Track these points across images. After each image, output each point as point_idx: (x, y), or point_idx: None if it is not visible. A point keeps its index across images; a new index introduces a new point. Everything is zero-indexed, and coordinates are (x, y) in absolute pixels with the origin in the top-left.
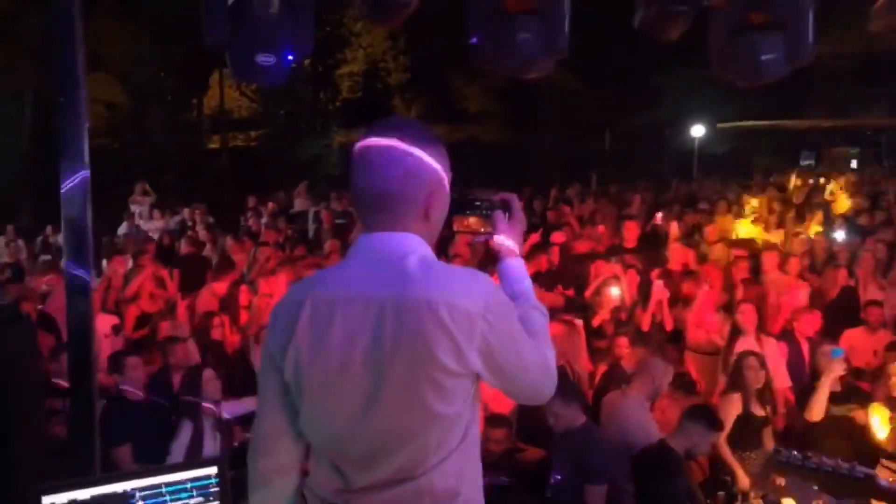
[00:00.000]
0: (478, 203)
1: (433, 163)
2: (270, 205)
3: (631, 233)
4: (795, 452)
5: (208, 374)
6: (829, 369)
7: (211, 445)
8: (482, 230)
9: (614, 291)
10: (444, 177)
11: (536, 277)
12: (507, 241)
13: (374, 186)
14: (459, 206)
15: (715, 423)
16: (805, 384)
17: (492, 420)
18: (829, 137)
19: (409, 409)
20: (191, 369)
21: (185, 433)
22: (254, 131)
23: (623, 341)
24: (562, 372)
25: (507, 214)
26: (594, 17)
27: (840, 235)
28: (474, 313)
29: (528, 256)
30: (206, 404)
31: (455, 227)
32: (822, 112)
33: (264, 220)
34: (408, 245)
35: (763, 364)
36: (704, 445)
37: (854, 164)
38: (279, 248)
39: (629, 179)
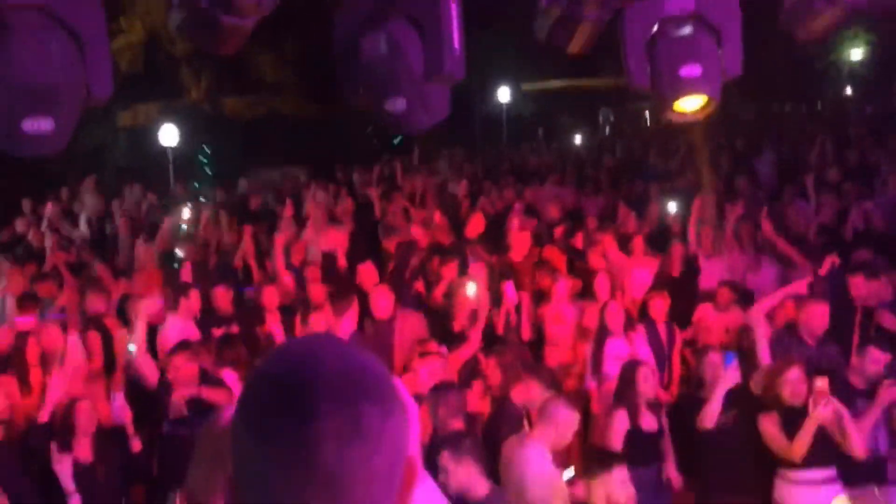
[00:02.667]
0: None
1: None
2: (50, 206)
3: (477, 224)
4: None
5: None
6: (723, 377)
7: None
8: None
9: (470, 290)
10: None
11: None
12: None
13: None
14: None
15: (610, 463)
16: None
17: None
18: (623, 95)
19: None
20: None
21: None
22: None
23: (492, 363)
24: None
25: None
26: None
27: (672, 206)
28: None
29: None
30: None
31: None
32: (614, 72)
33: (44, 226)
34: None
35: (654, 373)
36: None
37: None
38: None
39: (441, 146)
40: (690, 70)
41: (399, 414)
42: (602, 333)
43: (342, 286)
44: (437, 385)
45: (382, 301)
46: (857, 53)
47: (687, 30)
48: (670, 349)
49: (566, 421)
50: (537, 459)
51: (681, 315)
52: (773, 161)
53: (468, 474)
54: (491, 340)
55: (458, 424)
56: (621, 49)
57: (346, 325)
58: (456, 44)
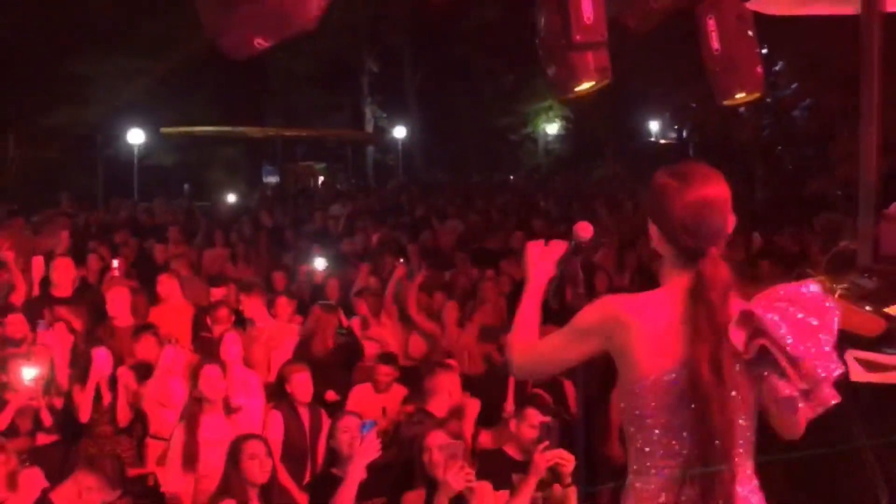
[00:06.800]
0: None
1: None
2: None
3: (65, 275)
4: None
5: None
6: (360, 450)
7: None
8: None
9: (28, 374)
10: None
11: None
12: None
13: None
14: None
15: None
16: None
17: None
18: (292, 151)
19: None
20: None
21: None
22: None
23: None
24: None
25: None
26: None
27: (321, 263)
28: None
29: None
30: None
31: None
32: (281, 121)
33: None
34: None
35: (269, 452)
36: None
37: (322, 180)
38: None
39: (46, 194)
40: None
41: None
42: (198, 404)
43: None
44: None
45: None
46: (552, 128)
47: None
48: (315, 434)
49: None
50: None
51: (343, 387)
52: (454, 227)
53: None
54: (76, 429)
55: None
56: None
57: None
58: None
